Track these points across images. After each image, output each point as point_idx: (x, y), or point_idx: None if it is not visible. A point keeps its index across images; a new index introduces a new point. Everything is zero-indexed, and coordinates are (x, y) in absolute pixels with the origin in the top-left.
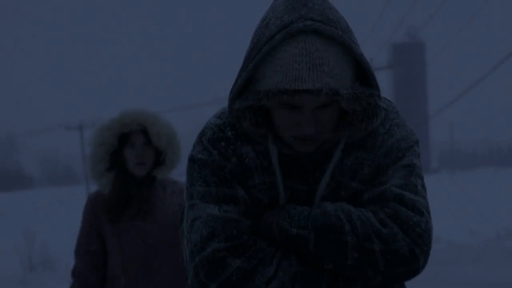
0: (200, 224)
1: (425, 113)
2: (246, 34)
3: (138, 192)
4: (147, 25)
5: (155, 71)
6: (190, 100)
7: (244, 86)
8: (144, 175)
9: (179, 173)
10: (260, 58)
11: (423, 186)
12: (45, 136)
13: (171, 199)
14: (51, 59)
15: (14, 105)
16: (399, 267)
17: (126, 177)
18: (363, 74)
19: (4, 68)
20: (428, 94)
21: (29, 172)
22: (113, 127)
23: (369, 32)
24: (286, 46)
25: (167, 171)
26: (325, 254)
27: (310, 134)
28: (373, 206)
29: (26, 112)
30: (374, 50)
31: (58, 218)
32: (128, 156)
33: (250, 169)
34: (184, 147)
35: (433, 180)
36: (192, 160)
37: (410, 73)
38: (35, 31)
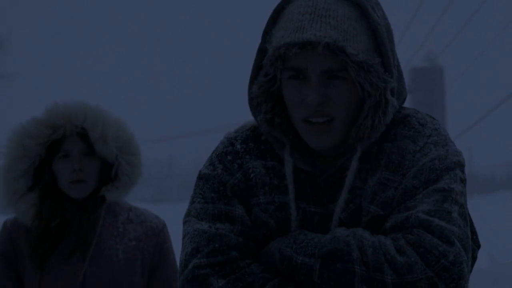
0: (187, 240)
1: None
2: None
3: (75, 220)
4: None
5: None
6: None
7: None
8: (84, 196)
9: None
10: (270, 19)
11: (461, 214)
12: None
13: (124, 230)
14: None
15: None
16: None
17: (57, 201)
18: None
19: None
20: (447, 118)
21: None
22: (38, 131)
23: None
24: (295, 2)
25: (120, 191)
26: (330, 286)
27: (316, 110)
28: (396, 233)
29: None
30: None
31: None
32: (59, 171)
33: (256, 186)
34: None
35: None
36: (198, 176)
37: (429, 97)
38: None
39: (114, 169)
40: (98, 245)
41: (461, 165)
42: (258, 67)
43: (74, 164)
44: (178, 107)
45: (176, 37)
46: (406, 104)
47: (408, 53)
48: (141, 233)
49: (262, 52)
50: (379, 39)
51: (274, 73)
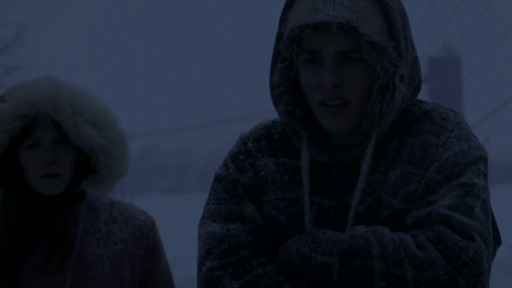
0: (200, 243)
1: None
2: None
3: (48, 222)
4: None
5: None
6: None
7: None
8: (57, 193)
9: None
10: (286, 5)
11: (484, 210)
12: None
13: (108, 231)
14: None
15: None
16: None
17: (25, 198)
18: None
19: None
20: (465, 108)
21: None
22: (6, 126)
23: None
24: None
25: (103, 186)
26: (349, 284)
27: (332, 92)
28: (416, 229)
29: None
30: None
31: None
32: (27, 163)
33: (267, 183)
34: None
35: None
36: (214, 178)
37: (446, 87)
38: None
39: (92, 160)
40: (79, 251)
41: (484, 159)
42: (276, 54)
43: (46, 154)
44: (196, 98)
45: (195, 26)
46: (422, 93)
47: (425, 43)
48: (128, 233)
49: (279, 38)
50: (391, 22)
51: (290, 57)
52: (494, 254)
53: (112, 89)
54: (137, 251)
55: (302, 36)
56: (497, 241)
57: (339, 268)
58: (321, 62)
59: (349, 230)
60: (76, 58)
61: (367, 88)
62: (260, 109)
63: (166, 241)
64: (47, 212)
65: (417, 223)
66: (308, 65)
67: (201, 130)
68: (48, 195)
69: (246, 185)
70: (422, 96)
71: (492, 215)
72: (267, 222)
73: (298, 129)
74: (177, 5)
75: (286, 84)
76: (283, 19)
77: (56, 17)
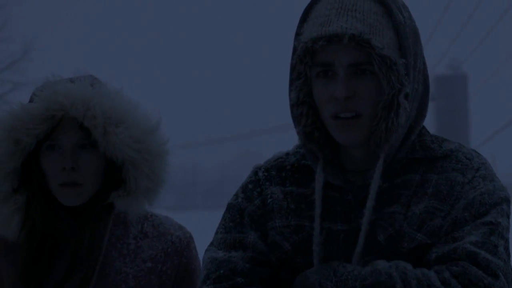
0: (202, 268)
1: (467, 145)
2: None
3: (72, 235)
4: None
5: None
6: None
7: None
8: (77, 204)
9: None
10: (300, 20)
11: (506, 249)
12: None
13: (137, 247)
14: None
15: None
16: None
17: (49, 206)
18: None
19: None
20: (471, 126)
21: None
22: (34, 129)
23: None
24: (323, 0)
25: (132, 200)
26: None
27: (344, 105)
28: (440, 265)
29: None
30: None
31: None
32: (47, 168)
33: (272, 210)
34: None
35: None
36: (226, 207)
37: (452, 105)
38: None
39: (123, 172)
40: (102, 268)
41: (507, 201)
42: (292, 70)
43: (64, 160)
44: (203, 114)
45: (206, 42)
46: (428, 111)
47: (432, 61)
48: (159, 250)
49: (294, 53)
50: (401, 38)
51: (304, 71)
52: None
53: None
54: (167, 270)
55: (315, 48)
56: None
57: None
58: (333, 75)
59: (370, 264)
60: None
61: (378, 103)
62: (268, 125)
63: None
64: (71, 224)
65: (442, 258)
66: (321, 79)
67: (209, 146)
68: (69, 206)
69: (252, 213)
70: (428, 114)
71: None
72: (271, 249)
73: (314, 150)
74: (192, 21)
75: (308, 104)
76: (297, 34)
77: (63, 33)
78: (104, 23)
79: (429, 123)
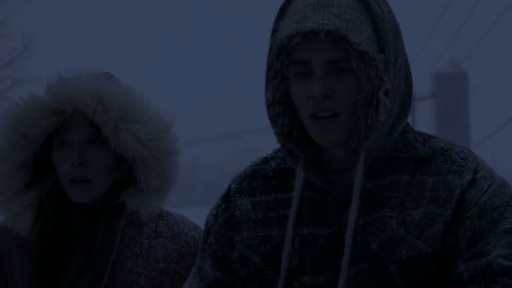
0: None
1: (467, 143)
2: None
3: (85, 233)
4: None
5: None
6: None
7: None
8: (87, 201)
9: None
10: (276, 18)
11: None
12: None
13: (150, 246)
14: None
15: None
16: None
17: (61, 203)
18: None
19: None
20: (471, 124)
21: None
22: (43, 121)
23: (411, 62)
24: None
25: (143, 198)
26: None
27: (322, 104)
28: (476, 283)
29: None
30: (417, 80)
31: None
32: (57, 164)
33: (240, 222)
34: None
35: None
36: None
37: (452, 103)
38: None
39: (135, 168)
40: (114, 267)
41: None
42: (269, 68)
43: (72, 155)
44: (203, 111)
45: (206, 41)
46: (429, 109)
47: (432, 59)
48: (172, 250)
49: (271, 51)
50: (380, 33)
51: (281, 70)
52: None
53: None
54: (180, 271)
55: (291, 45)
56: None
57: None
58: (310, 73)
59: None
60: (84, 71)
61: (357, 101)
62: (267, 123)
63: None
64: (84, 222)
65: (477, 277)
66: (298, 78)
67: (209, 143)
68: (79, 203)
69: (215, 233)
70: (428, 112)
71: None
72: (239, 263)
73: (294, 150)
74: (191, 19)
75: (284, 104)
76: (274, 31)
77: (63, 29)
78: (104, 20)
79: (430, 120)
